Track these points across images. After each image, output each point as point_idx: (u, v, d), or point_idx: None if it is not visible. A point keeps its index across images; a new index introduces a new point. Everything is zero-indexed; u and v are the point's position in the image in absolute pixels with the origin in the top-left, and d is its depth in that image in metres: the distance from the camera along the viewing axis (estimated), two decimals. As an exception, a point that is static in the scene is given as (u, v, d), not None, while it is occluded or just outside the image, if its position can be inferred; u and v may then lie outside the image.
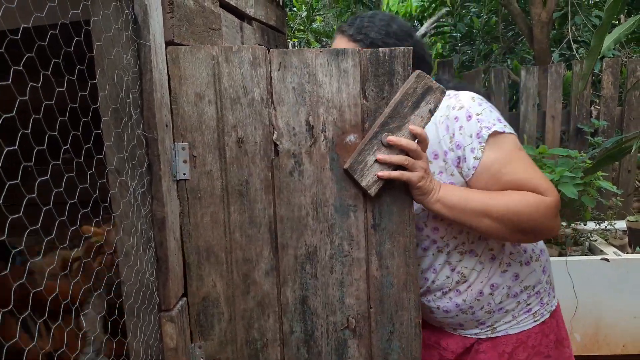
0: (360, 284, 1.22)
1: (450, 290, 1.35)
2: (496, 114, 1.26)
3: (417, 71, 1.18)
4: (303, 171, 1.17)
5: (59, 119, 0.81)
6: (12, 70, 0.72)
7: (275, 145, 1.15)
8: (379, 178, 1.15)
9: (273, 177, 1.16)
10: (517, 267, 1.34)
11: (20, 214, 0.72)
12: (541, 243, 1.43)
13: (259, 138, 1.14)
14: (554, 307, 1.40)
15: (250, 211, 1.15)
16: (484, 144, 1.20)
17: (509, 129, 1.24)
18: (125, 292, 1.08)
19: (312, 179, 1.17)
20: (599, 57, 1.26)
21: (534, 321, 1.36)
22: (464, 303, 1.34)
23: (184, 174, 1.11)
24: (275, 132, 1.15)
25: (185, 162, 1.11)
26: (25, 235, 0.96)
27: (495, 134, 1.20)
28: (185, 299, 1.15)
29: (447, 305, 1.36)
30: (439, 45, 6.74)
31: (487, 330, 1.36)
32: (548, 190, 1.20)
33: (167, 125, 1.08)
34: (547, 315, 1.38)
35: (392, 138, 1.14)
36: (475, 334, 1.38)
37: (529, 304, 1.35)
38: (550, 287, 1.41)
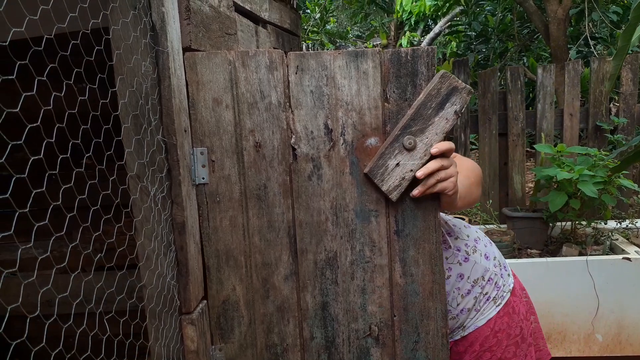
0: (383, 291, 1.21)
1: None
2: None
3: (442, 71, 1.16)
4: (322, 175, 1.16)
5: (82, 126, 0.82)
6: (36, 80, 0.73)
7: (294, 149, 1.15)
8: (423, 191, 1.12)
9: (291, 182, 1.16)
10: (457, 268, 1.36)
11: (47, 221, 0.73)
12: (472, 232, 1.44)
13: (277, 142, 1.14)
14: (511, 286, 1.41)
15: (268, 215, 1.15)
16: None
17: None
18: (147, 296, 1.09)
19: (331, 183, 1.17)
20: (626, 55, 1.24)
21: (496, 306, 1.37)
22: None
23: (203, 179, 1.11)
24: (293, 136, 1.14)
25: (204, 166, 1.11)
26: (52, 240, 0.98)
27: None
28: (205, 301, 1.15)
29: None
30: (454, 44, 6.70)
31: (460, 331, 1.38)
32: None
33: (185, 131, 1.09)
34: (508, 295, 1.39)
35: (435, 150, 1.11)
36: (451, 338, 1.39)
37: (485, 294, 1.37)
38: (501, 268, 1.42)
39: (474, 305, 1.36)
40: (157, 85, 1.05)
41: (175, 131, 1.06)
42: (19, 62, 0.70)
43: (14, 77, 0.63)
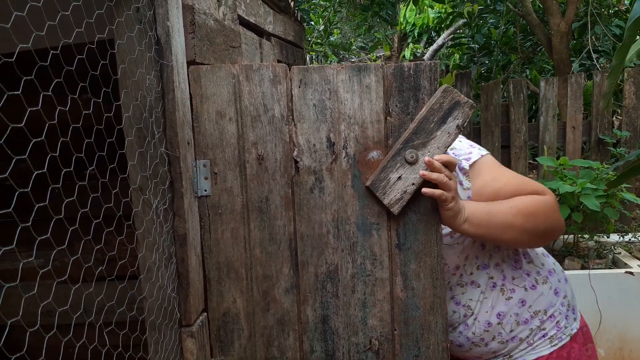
0: (384, 304, 1.21)
1: (459, 324, 1.33)
2: (466, 141, 1.32)
3: (444, 85, 1.17)
4: (324, 188, 1.17)
5: (85, 141, 0.83)
6: (41, 96, 0.73)
7: (296, 162, 1.15)
8: (423, 193, 1.11)
9: (293, 194, 1.16)
10: (521, 292, 1.30)
11: (48, 235, 0.73)
12: (549, 263, 1.38)
13: (279, 155, 1.14)
14: (574, 331, 1.33)
15: (270, 228, 1.16)
16: (468, 175, 1.26)
17: (483, 150, 1.29)
18: (147, 308, 1.09)
19: (333, 196, 1.17)
20: (620, 73, 1.25)
21: (552, 346, 1.30)
22: (474, 336, 1.32)
23: (205, 191, 1.12)
24: (296, 149, 1.15)
25: (206, 178, 1.12)
26: (54, 253, 0.98)
27: (474, 163, 1.26)
28: (205, 314, 1.15)
29: (458, 339, 1.34)
30: (457, 56, 6.73)
31: (504, 359, 1.33)
32: (543, 190, 1.24)
33: (189, 143, 1.09)
34: (567, 339, 1.31)
35: (430, 159, 1.11)
36: None
37: (543, 329, 1.30)
38: (569, 309, 1.35)
39: (528, 337, 1.30)
40: (161, 98, 1.06)
41: (179, 144, 1.06)
42: (24, 78, 0.71)
43: (19, 92, 0.63)
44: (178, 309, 1.10)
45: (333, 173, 1.17)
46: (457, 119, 1.16)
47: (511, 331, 1.30)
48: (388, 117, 1.17)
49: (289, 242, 1.17)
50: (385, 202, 1.15)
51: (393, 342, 1.22)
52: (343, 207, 1.18)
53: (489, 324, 1.30)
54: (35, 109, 0.66)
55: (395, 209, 1.15)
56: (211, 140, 1.12)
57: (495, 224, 1.18)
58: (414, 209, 1.17)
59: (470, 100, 1.16)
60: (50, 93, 0.68)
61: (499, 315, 1.30)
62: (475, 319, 1.31)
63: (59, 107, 0.74)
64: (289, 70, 1.13)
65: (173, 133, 1.06)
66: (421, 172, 1.12)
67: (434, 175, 1.10)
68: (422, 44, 8.29)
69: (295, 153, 1.15)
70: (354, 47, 9.02)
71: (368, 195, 1.17)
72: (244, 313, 1.17)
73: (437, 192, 1.10)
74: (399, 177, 1.14)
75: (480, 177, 1.25)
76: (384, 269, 1.20)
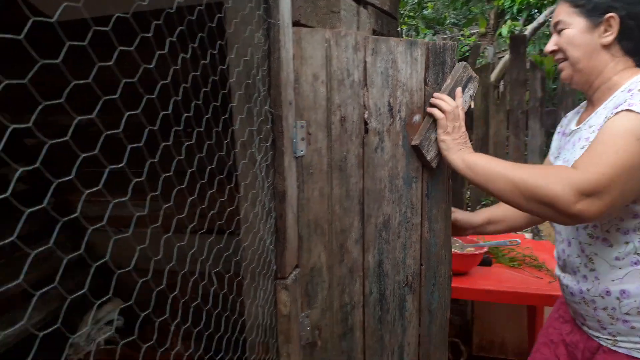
0: (416, 245, 1.42)
1: (578, 272, 1.27)
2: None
3: (463, 62, 1.41)
4: (384, 148, 1.31)
5: (193, 102, 0.84)
6: (156, 55, 0.74)
7: (366, 124, 1.27)
8: (428, 110, 1.34)
9: (363, 153, 1.28)
10: None
11: (158, 192, 0.75)
12: None
13: (356, 117, 1.25)
14: None
15: (347, 185, 1.26)
16: (614, 112, 1.09)
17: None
18: (247, 256, 1.10)
19: (389, 154, 1.32)
20: None
21: None
22: (588, 293, 1.24)
23: (302, 151, 1.16)
24: (367, 112, 1.26)
25: (302, 139, 1.16)
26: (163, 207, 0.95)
27: (629, 111, 1.06)
28: (298, 269, 1.20)
29: (573, 287, 1.29)
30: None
31: (608, 339, 1.23)
32: (587, 172, 1.05)
33: (290, 103, 1.12)
34: None
35: (436, 94, 1.35)
36: (597, 337, 1.26)
37: None
38: None
39: None
40: (267, 57, 1.07)
41: (282, 103, 1.09)
42: (141, 35, 0.71)
43: (133, 48, 0.66)
44: (275, 262, 1.14)
45: (390, 134, 1.32)
46: (470, 90, 1.41)
47: (626, 313, 1.18)
48: (425, 86, 1.36)
49: (359, 197, 1.29)
50: (428, 157, 1.36)
51: (420, 276, 1.44)
52: (395, 164, 1.34)
53: (607, 292, 1.20)
54: (150, 67, 0.70)
55: (434, 163, 1.37)
56: (307, 102, 1.17)
57: (490, 172, 1.19)
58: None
59: (478, 77, 1.44)
60: (165, 52, 0.72)
61: (624, 292, 1.18)
62: (596, 278, 1.22)
63: (172, 67, 0.77)
64: (366, 39, 1.23)
65: (277, 92, 1.09)
66: (435, 93, 1.35)
67: (436, 102, 1.34)
68: (521, 22, 7.46)
69: (366, 115, 1.26)
70: (447, 22, 8.17)
71: (411, 152, 1.36)
72: (326, 266, 1.25)
73: (436, 111, 1.33)
74: (435, 137, 1.36)
75: (610, 124, 1.08)
76: (417, 215, 1.41)
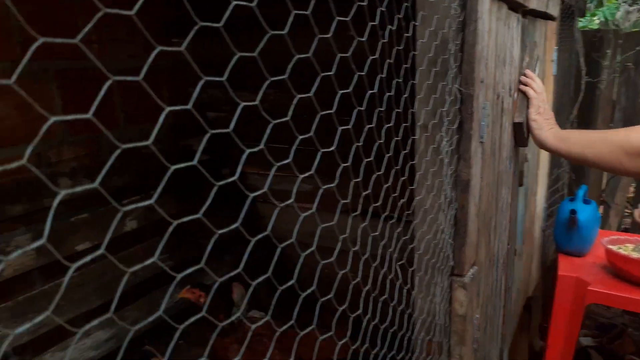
0: (507, 226, 1.32)
1: None
2: None
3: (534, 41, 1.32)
4: (506, 127, 1.29)
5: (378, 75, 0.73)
6: (334, 22, 0.64)
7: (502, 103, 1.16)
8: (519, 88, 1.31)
9: (501, 134, 1.18)
10: None
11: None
12: None
13: (507, 98, 1.15)
14: None
15: (495, 171, 1.18)
16: None
17: None
18: (422, 246, 1.03)
19: (507, 133, 1.25)
20: None
21: None
22: None
23: (482, 137, 1.05)
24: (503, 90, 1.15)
25: (484, 123, 1.05)
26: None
27: None
28: (476, 268, 1.10)
29: None
30: None
31: None
32: None
33: (482, 82, 1.01)
34: None
35: (529, 72, 1.31)
36: None
37: None
38: None
39: None
40: (462, 29, 0.96)
41: (474, 81, 0.98)
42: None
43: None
44: (452, 257, 1.05)
45: (510, 113, 1.24)
46: (537, 69, 1.41)
47: None
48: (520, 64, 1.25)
49: (497, 182, 1.18)
50: (526, 135, 1.30)
51: (507, 256, 1.38)
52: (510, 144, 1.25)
53: None
54: (326, 36, 0.58)
55: (527, 143, 1.34)
56: (489, 80, 1.05)
57: (582, 139, 1.18)
58: None
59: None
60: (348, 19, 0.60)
61: None
62: None
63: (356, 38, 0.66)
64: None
65: (469, 69, 0.98)
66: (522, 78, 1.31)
67: (529, 81, 1.30)
68: None
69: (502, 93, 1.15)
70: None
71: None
72: (485, 261, 1.16)
73: (530, 91, 1.27)
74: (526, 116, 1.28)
75: None
76: (510, 196, 1.34)
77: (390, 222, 1.02)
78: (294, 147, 0.70)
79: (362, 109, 0.75)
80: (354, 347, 1.01)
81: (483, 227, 1.11)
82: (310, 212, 0.79)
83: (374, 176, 0.88)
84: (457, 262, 1.05)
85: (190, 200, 2.43)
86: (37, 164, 2.03)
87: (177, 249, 2.40)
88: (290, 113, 0.69)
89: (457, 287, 1.05)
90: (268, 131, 0.63)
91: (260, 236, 0.77)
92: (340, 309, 0.91)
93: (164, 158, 0.55)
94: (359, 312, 0.96)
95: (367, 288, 0.96)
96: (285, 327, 0.86)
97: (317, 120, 0.76)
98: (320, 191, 0.80)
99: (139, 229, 2.28)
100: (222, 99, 2.14)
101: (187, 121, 2.35)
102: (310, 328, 0.85)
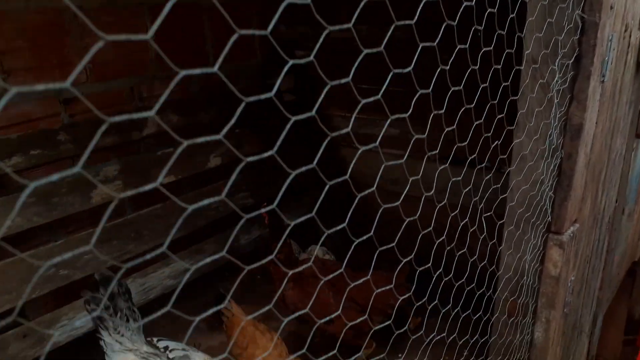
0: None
1: None
2: None
3: None
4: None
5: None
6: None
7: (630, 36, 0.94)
8: None
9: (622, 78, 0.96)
10: None
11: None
12: None
13: (635, 31, 0.94)
14: None
15: (614, 117, 0.99)
16: None
17: None
18: (515, 198, 0.92)
19: None
20: None
21: None
22: None
23: (605, 74, 0.89)
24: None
25: (608, 58, 0.89)
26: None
27: None
28: (577, 226, 0.98)
29: None
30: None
31: None
32: None
33: (612, 8, 0.85)
34: None
35: None
36: None
37: None
38: None
39: None
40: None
41: (601, 6, 0.82)
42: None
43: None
44: (551, 212, 0.93)
45: (636, 49, 1.00)
46: None
47: None
48: None
49: (612, 132, 1.00)
50: None
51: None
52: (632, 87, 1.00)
53: None
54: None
55: None
56: (618, 7, 0.88)
57: None
58: None
59: None
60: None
61: None
62: None
63: None
64: None
65: (597, -8, 0.82)
66: None
67: None
68: None
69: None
70: None
71: None
72: (588, 221, 1.01)
73: None
74: None
75: None
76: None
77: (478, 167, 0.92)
78: (385, 84, 0.67)
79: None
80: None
81: (591, 181, 0.97)
82: (400, 161, 0.76)
83: (461, 110, 0.79)
84: (556, 217, 0.93)
85: (274, 140, 2.43)
86: (130, 98, 2.10)
87: (258, 187, 2.43)
88: (384, 42, 0.65)
89: (553, 245, 0.94)
90: (357, 63, 0.59)
91: (338, 180, 0.73)
92: (404, 260, 0.86)
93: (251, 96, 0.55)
94: (428, 265, 0.90)
95: (440, 238, 0.89)
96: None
97: (417, 52, 0.71)
98: (413, 139, 0.74)
99: (222, 165, 2.31)
100: (311, 37, 2.06)
101: (276, 59, 2.31)
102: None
